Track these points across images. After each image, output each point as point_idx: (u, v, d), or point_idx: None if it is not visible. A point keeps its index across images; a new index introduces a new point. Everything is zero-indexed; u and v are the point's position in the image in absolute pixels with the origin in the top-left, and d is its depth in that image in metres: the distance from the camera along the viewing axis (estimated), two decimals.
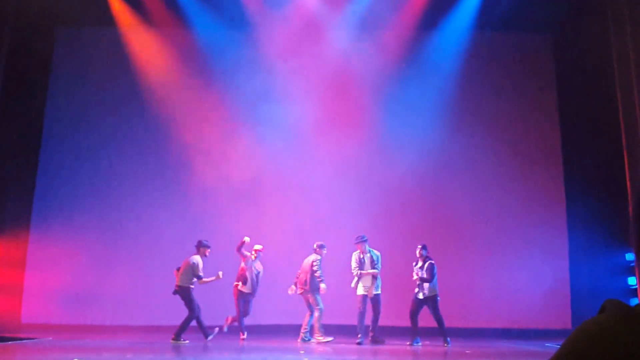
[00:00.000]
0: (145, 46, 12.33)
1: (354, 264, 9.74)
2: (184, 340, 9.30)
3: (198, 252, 9.67)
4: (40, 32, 11.86)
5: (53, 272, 11.49)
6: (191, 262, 9.55)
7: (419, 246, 9.75)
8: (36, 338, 9.70)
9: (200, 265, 9.53)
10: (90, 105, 12.24)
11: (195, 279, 9.52)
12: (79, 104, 12.24)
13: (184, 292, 9.48)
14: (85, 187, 11.95)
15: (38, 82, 12.14)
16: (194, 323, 9.50)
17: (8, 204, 11.42)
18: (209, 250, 9.72)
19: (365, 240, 9.81)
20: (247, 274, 9.88)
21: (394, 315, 10.24)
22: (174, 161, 12.05)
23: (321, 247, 9.99)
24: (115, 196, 11.88)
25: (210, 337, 9.49)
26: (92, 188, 11.94)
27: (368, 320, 9.75)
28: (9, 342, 9.11)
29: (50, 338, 9.77)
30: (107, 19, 12.03)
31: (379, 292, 9.71)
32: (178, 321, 9.42)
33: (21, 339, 9.56)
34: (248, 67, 12.03)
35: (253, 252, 10.07)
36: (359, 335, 9.43)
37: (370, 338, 9.67)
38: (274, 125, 11.84)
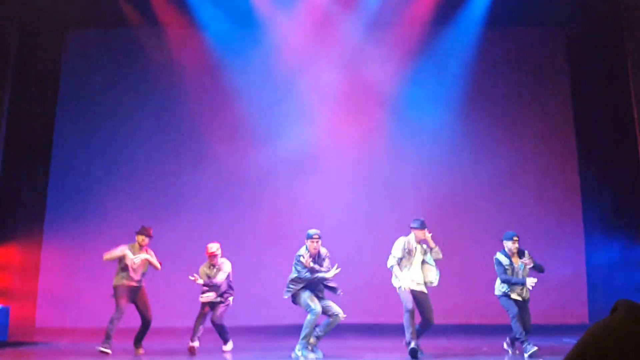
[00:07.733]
0: (155, 48, 12.32)
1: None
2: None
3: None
4: (49, 35, 11.86)
5: (66, 276, 11.52)
6: None
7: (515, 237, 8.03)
8: (50, 342, 9.72)
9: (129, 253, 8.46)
10: (101, 108, 12.24)
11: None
12: (90, 108, 12.24)
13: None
14: (98, 192, 11.95)
15: (48, 85, 12.13)
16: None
17: (20, 209, 11.45)
18: (140, 237, 8.55)
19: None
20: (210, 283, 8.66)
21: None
22: (187, 165, 12.04)
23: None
24: (127, 201, 11.86)
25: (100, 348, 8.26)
26: (105, 193, 11.93)
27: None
28: (24, 347, 9.14)
29: (65, 342, 9.80)
30: (117, 21, 12.03)
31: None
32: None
33: (35, 344, 9.58)
34: (259, 67, 11.97)
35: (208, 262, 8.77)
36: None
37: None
38: (285, 123, 11.83)
